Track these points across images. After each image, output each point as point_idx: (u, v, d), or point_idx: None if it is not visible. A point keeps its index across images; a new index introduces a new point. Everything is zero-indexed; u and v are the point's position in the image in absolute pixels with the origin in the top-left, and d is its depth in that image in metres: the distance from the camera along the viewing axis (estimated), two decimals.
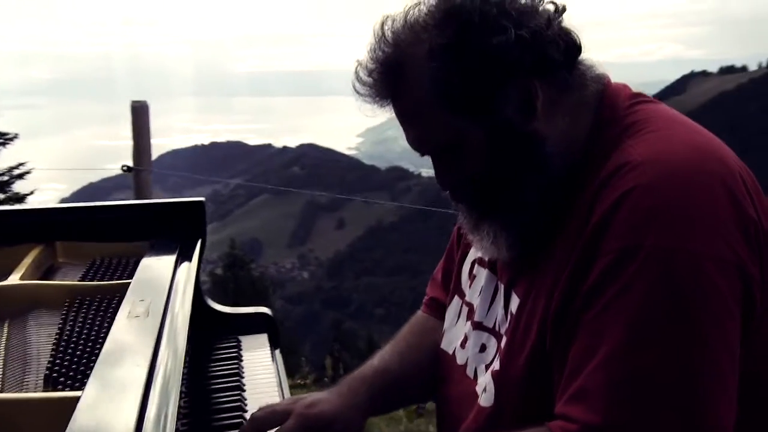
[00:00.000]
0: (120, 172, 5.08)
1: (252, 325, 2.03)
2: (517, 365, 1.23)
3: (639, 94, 1.28)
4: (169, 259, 1.72)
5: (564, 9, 1.24)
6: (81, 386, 1.19)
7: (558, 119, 1.22)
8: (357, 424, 1.39)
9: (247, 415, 1.51)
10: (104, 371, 1.12)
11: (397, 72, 1.22)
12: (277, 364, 1.85)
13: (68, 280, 1.79)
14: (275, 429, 1.32)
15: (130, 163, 5.06)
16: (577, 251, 1.14)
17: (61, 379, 1.23)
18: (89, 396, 1.04)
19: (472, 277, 1.47)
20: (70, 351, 1.34)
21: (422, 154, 1.29)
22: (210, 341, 1.92)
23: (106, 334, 1.40)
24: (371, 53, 1.24)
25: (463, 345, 1.42)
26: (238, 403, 1.58)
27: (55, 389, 1.21)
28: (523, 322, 1.24)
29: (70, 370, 1.26)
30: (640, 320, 1.06)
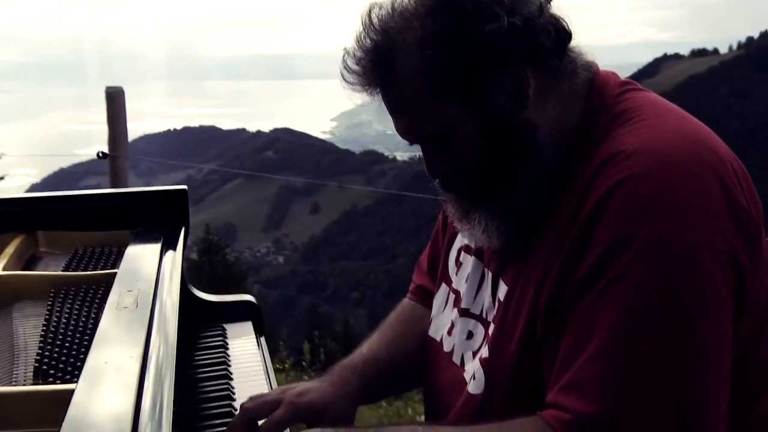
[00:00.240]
0: (92, 157, 5.02)
1: (237, 313, 2.03)
2: (507, 353, 1.23)
3: (628, 82, 1.29)
4: (154, 248, 1.71)
5: None
6: (72, 379, 1.19)
7: (549, 107, 1.22)
8: (348, 412, 1.39)
9: (236, 404, 1.51)
10: (97, 364, 1.11)
11: (386, 60, 1.20)
12: (262, 351, 1.85)
13: (51, 270, 1.77)
14: (266, 420, 1.31)
15: (104, 149, 5.00)
16: (569, 240, 1.14)
17: (51, 371, 1.22)
18: (83, 390, 1.03)
19: (458, 264, 1.47)
20: (58, 343, 1.33)
21: (411, 143, 1.28)
22: (195, 330, 1.91)
23: (94, 325, 1.39)
24: (359, 41, 1.23)
25: (450, 332, 1.43)
26: (227, 392, 1.57)
27: (45, 382, 1.20)
28: (512, 309, 1.24)
29: (60, 362, 1.24)
30: (633, 310, 1.06)
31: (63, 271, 1.73)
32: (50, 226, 1.93)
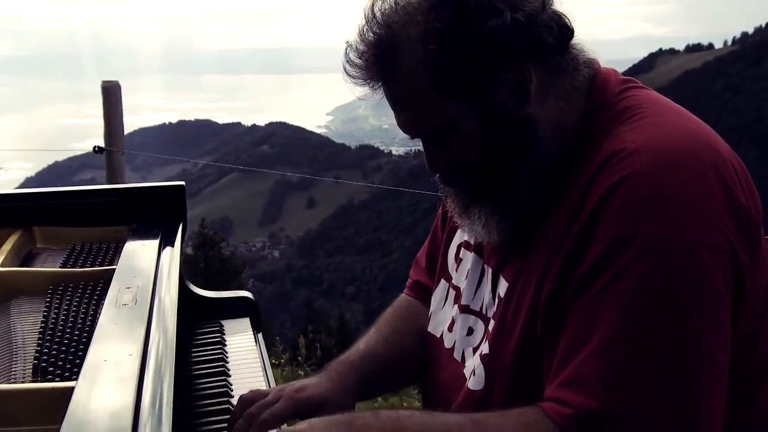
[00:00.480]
0: (87, 151, 5.01)
1: (234, 309, 2.02)
2: (508, 349, 1.24)
3: (629, 80, 1.29)
4: (153, 245, 1.71)
5: None
6: (71, 376, 1.18)
7: (551, 103, 1.22)
8: (347, 407, 1.39)
9: (234, 401, 1.51)
10: (96, 361, 1.11)
11: (389, 54, 1.20)
12: (260, 348, 1.85)
13: (48, 266, 1.77)
14: (266, 411, 1.31)
15: (99, 143, 4.99)
16: (570, 237, 1.14)
17: (50, 368, 1.22)
18: (83, 387, 1.03)
19: (458, 260, 1.47)
20: (57, 340, 1.33)
21: (413, 138, 1.28)
22: (192, 326, 1.91)
23: (93, 321, 1.39)
24: (362, 35, 1.23)
25: (450, 328, 1.43)
26: (224, 389, 1.57)
27: (44, 379, 1.20)
28: (513, 306, 1.25)
29: (59, 360, 1.24)
30: (634, 307, 1.07)
31: (61, 267, 1.73)
32: (47, 221, 1.92)
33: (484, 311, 1.35)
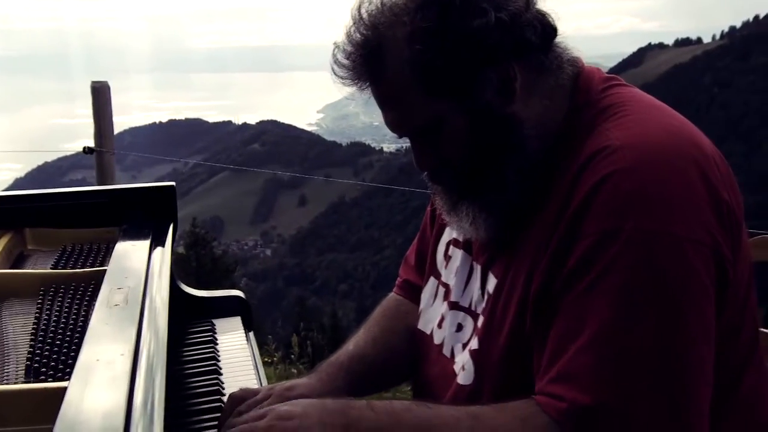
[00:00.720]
0: (77, 151, 5.01)
1: (225, 308, 2.03)
2: (497, 344, 1.25)
3: (612, 77, 1.31)
4: (143, 245, 1.71)
5: None
6: (63, 377, 1.19)
7: (535, 102, 1.24)
8: None
9: (225, 399, 1.51)
10: (88, 361, 1.12)
11: (376, 55, 1.22)
12: (251, 346, 1.85)
13: (39, 267, 1.77)
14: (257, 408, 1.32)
15: (89, 143, 4.98)
16: (557, 233, 1.16)
17: (43, 369, 1.23)
18: (75, 387, 1.04)
19: (447, 258, 1.49)
20: (49, 341, 1.33)
21: (400, 136, 1.30)
22: (184, 325, 1.91)
23: (85, 322, 1.40)
24: (349, 35, 1.24)
25: (440, 325, 1.44)
26: (216, 387, 1.58)
27: (37, 379, 1.20)
28: (502, 302, 1.26)
29: (51, 360, 1.25)
30: (622, 302, 1.08)
31: (52, 268, 1.73)
32: (38, 223, 1.93)
33: (473, 307, 1.37)
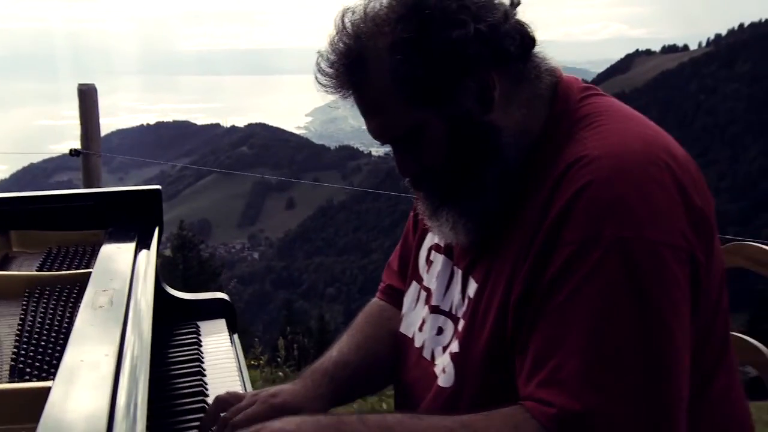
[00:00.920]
0: (63, 152, 5.00)
1: (210, 310, 2.05)
2: (477, 348, 1.27)
3: (589, 87, 1.34)
4: (129, 248, 1.72)
5: (519, 2, 1.28)
6: (48, 376, 1.21)
7: (514, 110, 1.26)
8: (322, 413, 1.42)
9: (209, 400, 1.53)
10: (72, 362, 1.13)
11: (358, 64, 1.24)
12: (235, 348, 1.87)
13: (25, 269, 1.78)
14: (241, 413, 1.33)
15: (76, 144, 4.98)
16: (538, 241, 1.18)
17: (27, 369, 1.24)
18: (59, 387, 1.05)
19: (429, 262, 1.51)
20: (34, 341, 1.34)
21: (383, 143, 1.32)
22: (169, 327, 1.93)
23: (69, 323, 1.41)
24: (332, 44, 1.27)
25: (421, 328, 1.46)
26: (200, 388, 1.59)
27: (21, 379, 1.22)
28: (482, 306, 1.28)
29: (36, 361, 1.26)
30: (604, 307, 1.11)
31: (37, 270, 1.74)
32: (24, 225, 1.94)
33: (453, 311, 1.39)
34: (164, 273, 1.82)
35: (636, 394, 1.09)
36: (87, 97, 4.82)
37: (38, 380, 1.20)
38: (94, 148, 4.87)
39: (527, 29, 1.27)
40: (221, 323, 2.01)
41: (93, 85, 4.86)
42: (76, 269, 1.73)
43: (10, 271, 1.79)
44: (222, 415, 1.34)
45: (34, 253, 1.89)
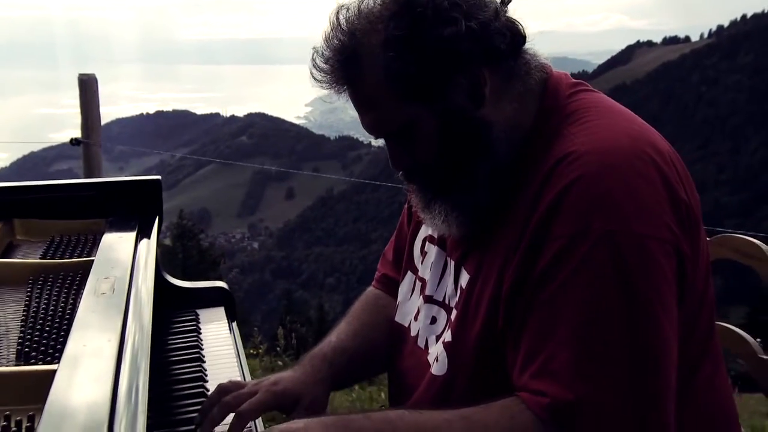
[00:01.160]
0: (63, 141, 5.03)
1: (209, 298, 2.08)
2: (470, 337, 1.31)
3: (579, 83, 1.37)
4: (130, 237, 1.76)
5: (509, 0, 1.31)
6: (53, 360, 1.25)
7: (505, 106, 1.29)
8: (322, 398, 1.46)
9: (208, 385, 1.57)
10: (76, 347, 1.17)
11: (353, 60, 1.27)
12: (234, 336, 1.90)
13: (29, 257, 1.82)
14: (246, 403, 1.35)
15: (76, 133, 5.00)
16: (528, 234, 1.22)
17: (33, 353, 1.28)
18: (64, 371, 1.09)
19: (423, 253, 1.55)
20: (39, 327, 1.38)
21: (377, 138, 1.36)
22: (169, 315, 1.96)
23: (73, 310, 1.45)
24: (327, 41, 1.30)
25: (416, 318, 1.50)
26: (199, 374, 1.63)
27: (27, 363, 1.26)
28: (474, 296, 1.32)
29: (41, 345, 1.30)
30: (594, 299, 1.15)
31: (41, 258, 1.78)
32: (27, 214, 1.97)
33: (446, 301, 1.43)
34: (164, 262, 1.85)
35: (625, 384, 1.13)
36: (87, 87, 4.84)
37: (43, 364, 1.24)
38: (94, 138, 4.90)
39: (518, 26, 1.30)
40: (220, 311, 2.04)
41: (93, 75, 4.89)
42: (78, 257, 1.77)
43: (14, 258, 1.82)
44: (223, 400, 1.37)
45: (37, 241, 1.93)
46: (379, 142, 1.39)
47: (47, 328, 1.38)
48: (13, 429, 1.04)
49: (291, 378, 1.44)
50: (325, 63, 1.30)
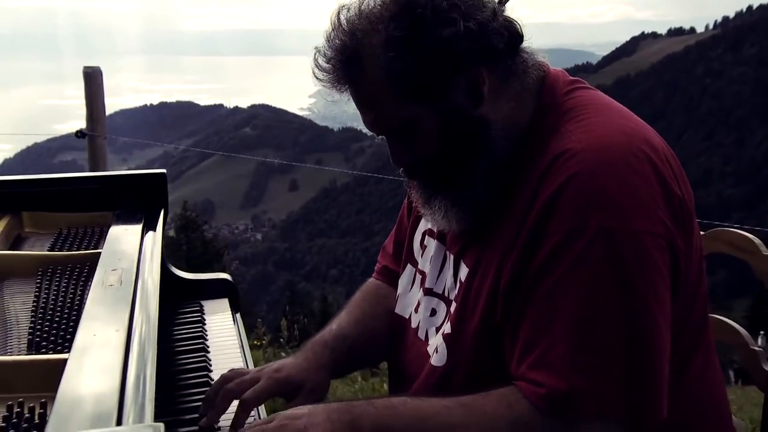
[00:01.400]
0: (67, 132, 5.07)
1: (213, 290, 2.11)
2: (469, 329, 1.35)
3: (575, 81, 1.40)
4: (136, 229, 1.79)
5: (507, 0, 1.34)
6: (62, 350, 1.28)
7: (503, 104, 1.32)
8: (324, 384, 1.49)
9: (212, 374, 1.60)
10: (86, 337, 1.21)
11: (354, 60, 1.30)
12: (238, 327, 1.93)
13: (37, 249, 1.85)
14: (250, 390, 1.39)
15: (80, 124, 5.03)
16: (526, 229, 1.25)
17: (43, 343, 1.31)
18: (75, 360, 1.13)
19: (423, 246, 1.58)
20: (48, 317, 1.42)
21: (378, 135, 1.39)
22: (174, 306, 1.99)
23: (81, 301, 1.48)
24: (329, 41, 1.32)
25: (416, 310, 1.53)
26: (203, 364, 1.66)
27: (38, 352, 1.29)
28: (473, 289, 1.35)
29: (51, 335, 1.33)
30: (590, 293, 1.18)
31: (49, 250, 1.81)
32: (35, 207, 2.00)
33: (446, 294, 1.46)
34: (168, 253, 1.88)
35: (619, 375, 1.17)
36: (92, 79, 4.87)
37: (54, 353, 1.27)
38: (99, 131, 4.93)
39: (515, 26, 1.32)
40: (224, 303, 2.07)
41: (98, 68, 4.91)
42: (85, 250, 1.80)
43: (23, 250, 1.86)
44: (226, 387, 1.41)
45: (45, 233, 1.96)
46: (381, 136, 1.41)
47: (57, 319, 1.41)
48: (26, 415, 1.07)
49: (293, 365, 1.46)
50: (327, 62, 1.33)
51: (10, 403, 1.10)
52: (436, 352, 1.41)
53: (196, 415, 1.40)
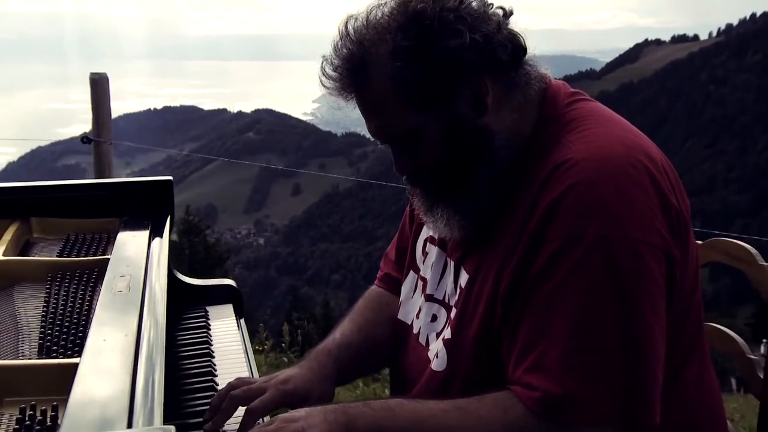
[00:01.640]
0: (71, 136, 5.10)
1: (218, 295, 2.14)
2: (469, 334, 1.37)
3: (576, 93, 1.42)
4: (143, 235, 1.82)
5: (511, 13, 1.37)
6: (73, 354, 1.31)
7: (506, 115, 1.35)
8: (329, 394, 1.51)
9: (217, 379, 1.62)
10: (96, 341, 1.24)
11: (360, 69, 1.32)
12: (242, 332, 1.96)
13: (45, 255, 1.88)
14: (257, 399, 1.40)
15: (84, 128, 5.07)
16: (525, 237, 1.28)
17: (54, 347, 1.34)
18: (86, 364, 1.16)
19: (425, 253, 1.60)
20: (59, 322, 1.45)
21: (382, 143, 1.41)
22: (180, 311, 2.02)
23: (90, 306, 1.51)
24: (336, 49, 1.35)
25: (418, 315, 1.56)
26: (208, 368, 1.69)
27: (49, 356, 1.32)
28: (473, 295, 1.38)
29: (61, 340, 1.36)
30: (587, 300, 1.21)
31: (57, 256, 1.83)
32: (44, 213, 2.03)
33: (446, 300, 1.48)
34: (171, 257, 1.90)
35: (614, 380, 1.19)
36: (99, 85, 4.91)
37: (64, 357, 1.30)
38: (105, 136, 4.97)
39: (519, 38, 1.35)
40: (229, 308, 2.10)
41: (105, 74, 4.95)
42: (93, 255, 1.83)
43: (32, 256, 1.88)
44: (232, 393, 1.42)
45: (53, 239, 1.99)
46: None
47: (67, 323, 1.44)
48: (39, 418, 1.10)
49: (299, 375, 1.48)
50: (334, 71, 1.35)
51: (22, 406, 1.12)
52: (437, 357, 1.43)
53: (200, 420, 1.42)
